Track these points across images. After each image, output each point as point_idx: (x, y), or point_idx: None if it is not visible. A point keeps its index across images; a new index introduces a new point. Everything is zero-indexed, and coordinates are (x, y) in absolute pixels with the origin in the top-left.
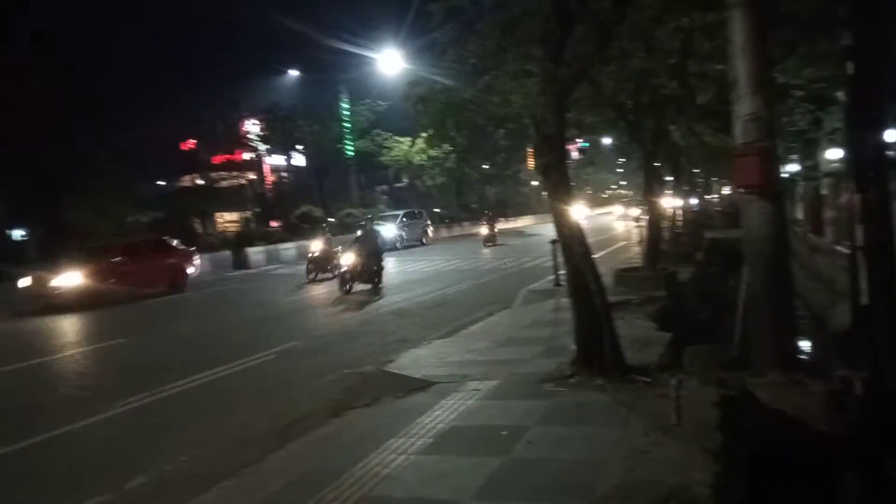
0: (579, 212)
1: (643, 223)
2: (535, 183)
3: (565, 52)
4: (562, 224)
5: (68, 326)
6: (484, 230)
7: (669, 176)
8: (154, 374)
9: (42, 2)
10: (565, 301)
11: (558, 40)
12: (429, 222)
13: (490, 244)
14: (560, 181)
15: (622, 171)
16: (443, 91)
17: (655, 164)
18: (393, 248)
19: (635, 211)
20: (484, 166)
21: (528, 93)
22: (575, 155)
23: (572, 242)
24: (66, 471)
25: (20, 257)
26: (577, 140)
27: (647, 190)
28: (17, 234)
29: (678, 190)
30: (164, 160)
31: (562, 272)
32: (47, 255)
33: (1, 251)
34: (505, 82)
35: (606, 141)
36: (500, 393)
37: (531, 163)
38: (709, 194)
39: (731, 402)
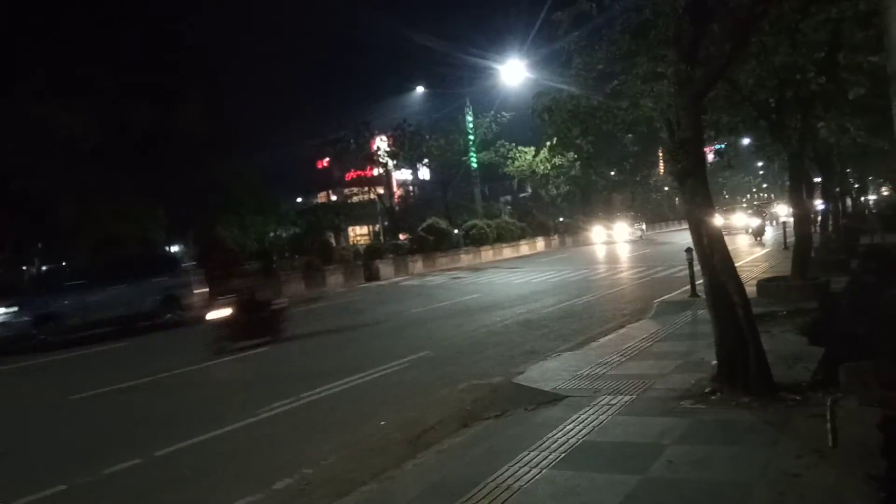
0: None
1: (760, 238)
2: (666, 188)
3: (700, 52)
4: (700, 232)
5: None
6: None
7: (818, 177)
8: (293, 381)
9: (188, 34)
10: (703, 313)
11: (692, 40)
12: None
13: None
14: (697, 187)
15: (763, 173)
16: (569, 100)
17: (802, 165)
18: None
19: (756, 221)
20: (611, 173)
21: (659, 96)
22: (710, 158)
23: (712, 251)
24: (218, 471)
25: None
26: (714, 143)
27: (794, 193)
28: (174, 250)
29: (829, 192)
30: (302, 178)
31: (699, 282)
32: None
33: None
34: (634, 86)
35: (745, 142)
36: (634, 409)
37: (662, 167)
38: (864, 196)
39: None
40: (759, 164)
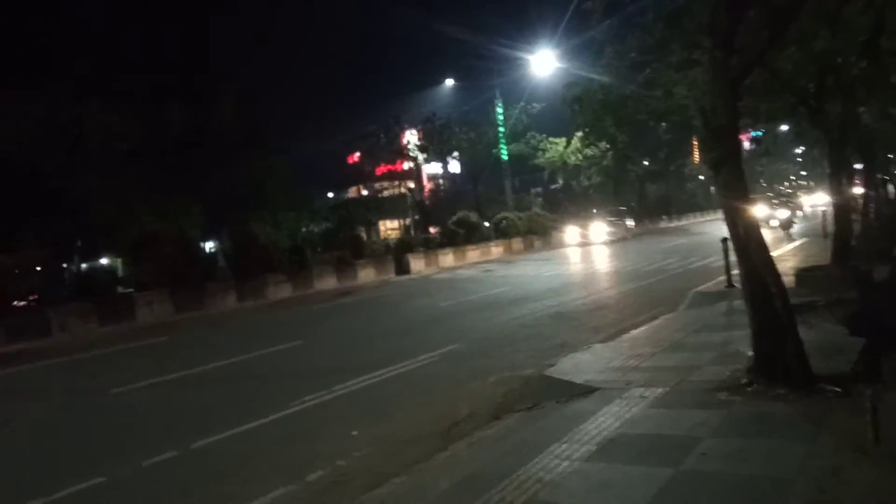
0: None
1: (792, 229)
2: (701, 178)
3: (736, 39)
4: (735, 221)
5: (254, 329)
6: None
7: (859, 164)
8: (327, 374)
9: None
10: (738, 304)
11: (728, 28)
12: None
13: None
14: (732, 176)
15: (801, 160)
16: (600, 89)
17: (843, 151)
18: None
19: (783, 212)
20: (644, 163)
21: (693, 83)
22: (747, 145)
23: (748, 240)
24: (253, 463)
25: (212, 268)
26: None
27: (835, 180)
28: (209, 246)
29: (871, 179)
30: (334, 174)
31: (735, 272)
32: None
33: (197, 263)
34: (668, 75)
35: (783, 128)
36: (668, 401)
37: (697, 156)
38: None
39: None
40: (798, 150)
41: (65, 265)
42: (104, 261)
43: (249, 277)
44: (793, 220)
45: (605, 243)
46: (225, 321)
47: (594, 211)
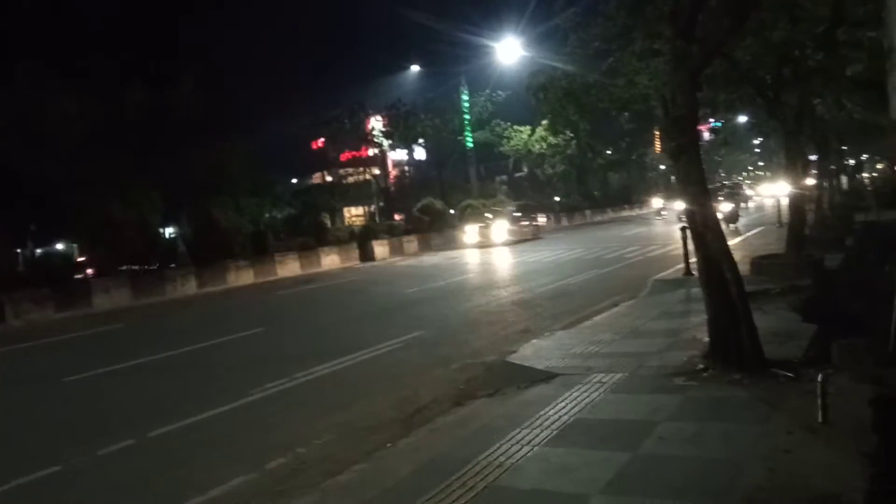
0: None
1: (737, 223)
2: (662, 167)
3: (697, 28)
4: (693, 210)
5: (209, 316)
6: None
7: (814, 154)
8: (289, 361)
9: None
10: (696, 291)
11: (689, 16)
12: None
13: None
14: (691, 165)
15: (759, 151)
16: (564, 77)
17: (798, 142)
18: None
19: (727, 205)
20: (607, 152)
21: (655, 73)
22: (706, 136)
23: (705, 229)
24: (212, 451)
25: (172, 253)
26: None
27: (790, 170)
28: (168, 231)
29: (825, 169)
30: (297, 159)
31: (693, 260)
32: (193, 250)
33: (156, 248)
34: (630, 63)
35: (742, 119)
36: (627, 386)
37: (658, 146)
38: (859, 173)
39: (889, 401)
40: (756, 141)
41: (18, 250)
42: (60, 246)
43: (210, 263)
44: (738, 213)
45: (569, 232)
46: (184, 307)
47: (557, 200)
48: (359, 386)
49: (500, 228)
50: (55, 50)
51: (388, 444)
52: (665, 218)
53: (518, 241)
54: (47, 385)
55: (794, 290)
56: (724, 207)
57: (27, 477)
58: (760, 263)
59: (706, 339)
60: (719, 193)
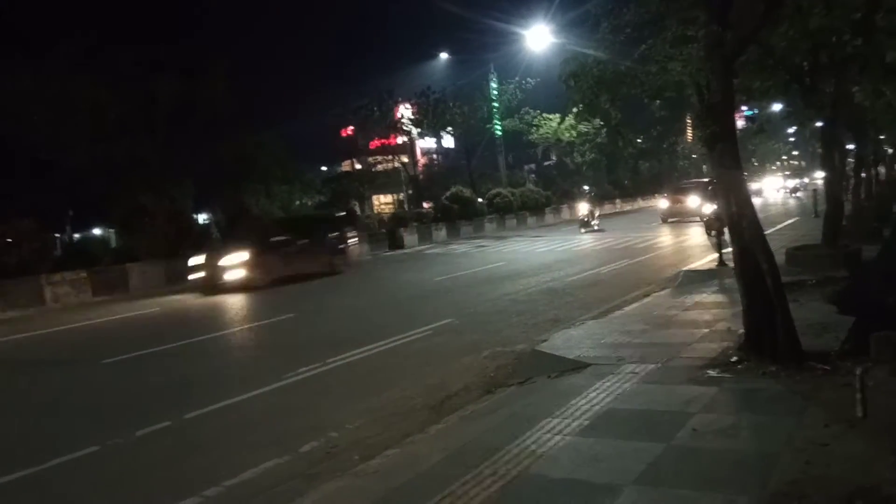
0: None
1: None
2: (694, 156)
3: (732, 14)
4: (729, 199)
5: (239, 303)
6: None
7: (851, 144)
8: (319, 348)
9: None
10: (730, 282)
11: (724, 1)
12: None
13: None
14: (727, 153)
15: (793, 140)
16: (595, 65)
17: (835, 131)
18: None
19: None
20: (637, 140)
21: (689, 59)
22: (740, 124)
23: (741, 219)
24: (247, 433)
25: (205, 240)
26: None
27: (826, 159)
28: (202, 218)
29: (862, 158)
30: (326, 147)
31: (726, 251)
32: (226, 237)
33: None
34: (663, 50)
35: (776, 107)
36: (659, 377)
37: (690, 134)
38: None
39: None
40: (791, 130)
41: (57, 235)
42: (97, 231)
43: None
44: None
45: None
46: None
47: (585, 188)
48: (389, 372)
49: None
50: (89, 40)
51: (419, 431)
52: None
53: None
54: (86, 367)
55: (830, 281)
56: (706, 209)
57: (66, 456)
58: (796, 254)
59: (740, 330)
60: (699, 192)
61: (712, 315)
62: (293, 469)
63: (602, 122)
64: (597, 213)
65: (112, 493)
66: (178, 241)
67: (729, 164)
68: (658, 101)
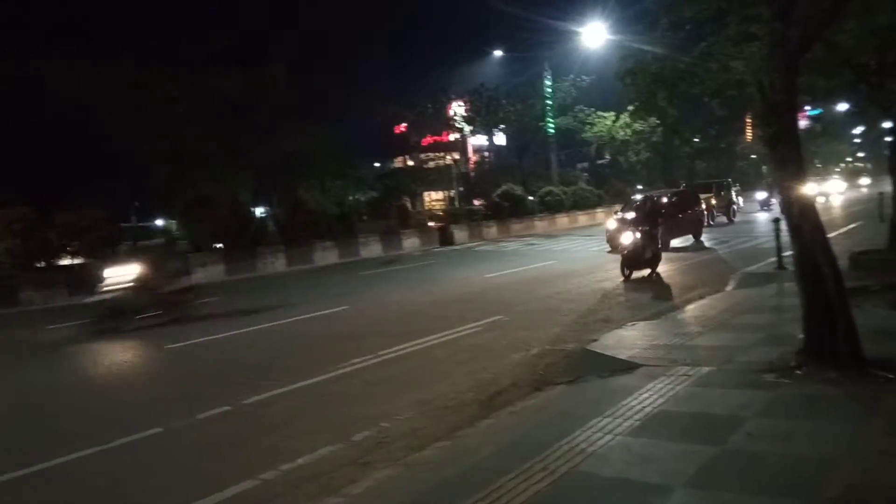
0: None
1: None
2: (753, 156)
3: (796, 11)
4: (790, 201)
5: (299, 294)
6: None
7: None
8: (373, 339)
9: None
10: (789, 286)
11: None
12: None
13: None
14: (789, 154)
15: (858, 141)
16: (654, 62)
17: None
18: None
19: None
20: (694, 140)
21: (751, 58)
22: (803, 124)
23: (802, 221)
24: (301, 420)
25: (263, 232)
26: (806, 107)
27: (894, 161)
28: (259, 210)
29: None
30: (380, 143)
31: (786, 254)
32: (283, 230)
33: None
34: (724, 48)
35: (842, 107)
36: (713, 380)
37: (749, 134)
38: None
39: None
40: (856, 131)
41: (123, 224)
42: (159, 222)
43: (298, 242)
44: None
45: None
46: (274, 284)
47: (638, 187)
48: (440, 366)
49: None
50: (155, 34)
51: (469, 425)
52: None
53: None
54: (151, 352)
55: (895, 287)
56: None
57: (132, 436)
58: (859, 259)
59: (800, 335)
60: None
61: (770, 319)
62: (346, 456)
63: (658, 121)
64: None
65: (172, 474)
66: (238, 233)
67: (790, 166)
68: (717, 100)
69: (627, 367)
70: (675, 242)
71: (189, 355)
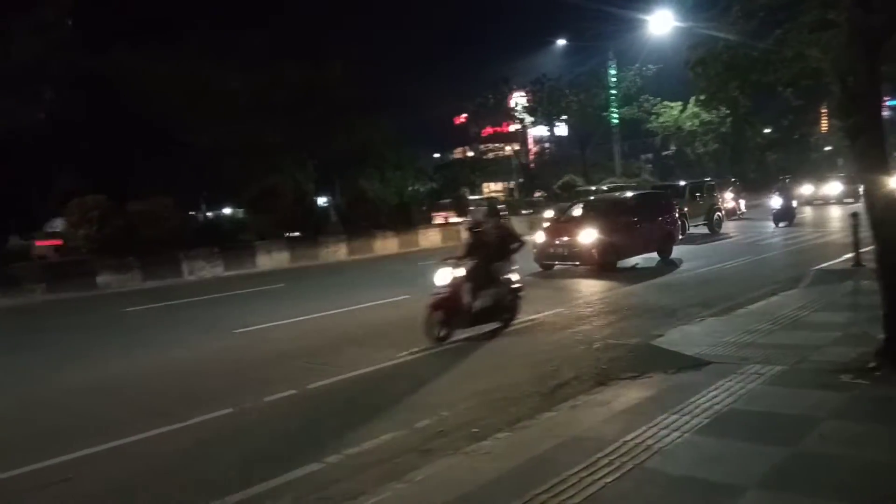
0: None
1: None
2: (828, 148)
3: None
4: (872, 195)
5: (360, 282)
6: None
7: None
8: None
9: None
10: (867, 284)
11: None
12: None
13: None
14: (870, 145)
15: None
16: (725, 50)
17: None
18: None
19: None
20: (765, 130)
21: (829, 45)
22: (887, 115)
23: (884, 215)
24: (364, 406)
25: (325, 221)
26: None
27: None
28: (321, 200)
29: None
30: (439, 134)
31: (865, 250)
32: (344, 219)
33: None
34: (800, 35)
35: None
36: (786, 380)
37: (825, 125)
38: None
39: None
40: None
41: (192, 213)
42: (226, 210)
43: (359, 232)
44: (792, 211)
45: None
46: (337, 272)
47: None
48: (500, 357)
49: None
50: (220, 30)
51: (530, 417)
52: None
53: None
54: (220, 335)
55: None
56: (773, 203)
57: (204, 416)
58: None
59: (880, 335)
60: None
61: (846, 317)
62: (408, 443)
63: (728, 111)
64: (742, 204)
65: (241, 453)
66: (301, 222)
67: (872, 158)
68: (791, 90)
69: (695, 363)
70: (634, 260)
71: (256, 339)
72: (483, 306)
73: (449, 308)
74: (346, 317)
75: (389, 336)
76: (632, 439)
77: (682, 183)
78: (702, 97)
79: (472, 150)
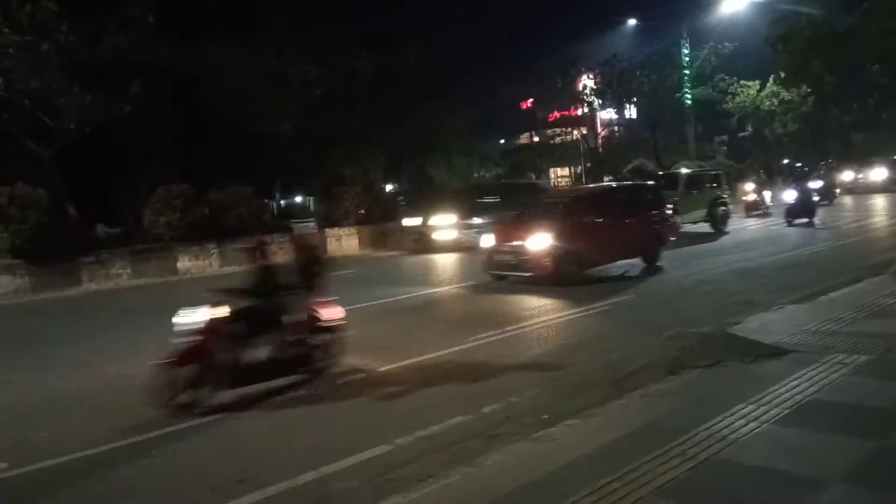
0: None
1: None
2: None
3: None
4: None
5: (428, 269)
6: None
7: None
8: (499, 316)
9: None
10: None
11: None
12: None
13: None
14: None
15: None
16: (808, 26)
17: None
18: None
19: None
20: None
21: None
22: None
23: None
24: (433, 390)
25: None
26: None
27: None
28: (388, 187)
29: None
30: (505, 120)
31: None
32: (412, 204)
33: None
34: (889, 8)
35: None
36: (873, 370)
37: None
38: None
39: None
40: None
41: (266, 201)
42: (298, 198)
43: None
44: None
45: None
46: (404, 259)
47: (784, 162)
48: (567, 344)
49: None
50: (295, 20)
51: (599, 405)
52: None
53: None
54: None
55: None
56: (787, 197)
57: (285, 395)
58: None
59: None
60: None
61: None
62: (475, 427)
63: (810, 90)
64: (768, 196)
65: (315, 434)
66: (370, 210)
67: None
68: (878, 66)
69: (774, 352)
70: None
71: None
72: (261, 358)
73: (203, 361)
74: (417, 302)
75: (458, 322)
76: (705, 429)
77: (685, 171)
78: (783, 75)
79: (538, 135)
